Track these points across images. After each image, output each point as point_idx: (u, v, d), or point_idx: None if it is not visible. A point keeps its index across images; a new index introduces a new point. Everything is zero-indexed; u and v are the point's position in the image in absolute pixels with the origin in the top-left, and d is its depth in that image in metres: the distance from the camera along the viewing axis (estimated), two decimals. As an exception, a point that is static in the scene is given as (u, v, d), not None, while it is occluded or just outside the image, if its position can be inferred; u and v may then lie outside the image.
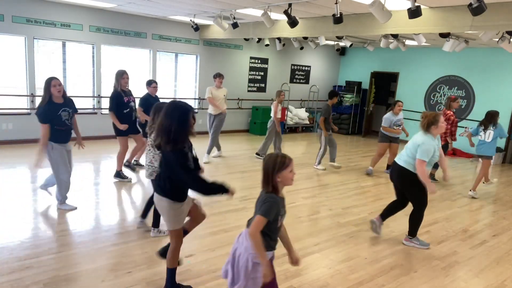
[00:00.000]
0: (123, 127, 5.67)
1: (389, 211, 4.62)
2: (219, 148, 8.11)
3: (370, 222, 4.73)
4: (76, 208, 4.77)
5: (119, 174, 6.00)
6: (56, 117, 4.39)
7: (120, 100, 5.68)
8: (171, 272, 3.10)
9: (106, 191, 5.63)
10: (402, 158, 4.30)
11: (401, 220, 5.06)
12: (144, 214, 4.37)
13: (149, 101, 6.01)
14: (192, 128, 2.87)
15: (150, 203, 4.25)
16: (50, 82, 4.36)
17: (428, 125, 4.09)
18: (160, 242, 4.07)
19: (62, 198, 4.75)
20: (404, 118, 7.67)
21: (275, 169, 2.36)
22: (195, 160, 3.05)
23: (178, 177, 2.84)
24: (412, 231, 4.41)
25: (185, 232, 3.24)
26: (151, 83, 6.36)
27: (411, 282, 3.65)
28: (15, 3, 7.49)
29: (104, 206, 5.06)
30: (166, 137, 2.76)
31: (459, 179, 7.68)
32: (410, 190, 4.33)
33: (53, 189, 4.88)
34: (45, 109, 4.36)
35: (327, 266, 3.82)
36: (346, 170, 7.83)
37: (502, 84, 9.74)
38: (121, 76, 5.70)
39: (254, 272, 2.40)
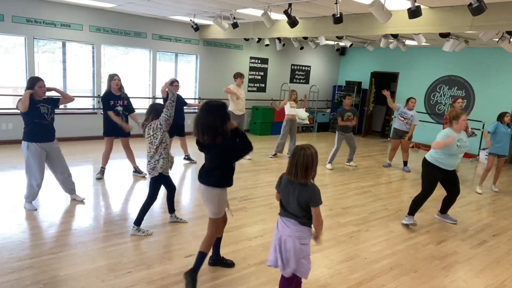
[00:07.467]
0: (119, 121, 5.77)
1: (445, 204, 5.29)
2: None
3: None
4: (36, 209, 4.71)
5: (103, 172, 6.14)
6: (34, 109, 4.46)
7: (106, 103, 5.83)
8: (201, 256, 3.25)
9: (105, 192, 5.63)
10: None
11: (400, 220, 5.11)
12: (171, 210, 4.61)
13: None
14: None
15: (170, 198, 4.54)
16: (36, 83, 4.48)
17: (450, 119, 4.83)
18: (161, 242, 4.08)
19: (26, 198, 4.73)
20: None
21: (315, 163, 2.65)
22: None
23: (240, 155, 3.25)
24: (411, 210, 5.01)
25: (218, 239, 3.51)
26: (173, 82, 6.69)
27: (411, 282, 3.66)
28: (15, 3, 7.49)
29: (104, 206, 5.06)
30: (213, 133, 3.03)
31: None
32: (422, 176, 5.01)
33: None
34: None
35: (327, 266, 3.82)
36: (346, 170, 7.84)
37: (502, 84, 9.74)
38: (112, 78, 5.86)
39: (302, 253, 2.70)
